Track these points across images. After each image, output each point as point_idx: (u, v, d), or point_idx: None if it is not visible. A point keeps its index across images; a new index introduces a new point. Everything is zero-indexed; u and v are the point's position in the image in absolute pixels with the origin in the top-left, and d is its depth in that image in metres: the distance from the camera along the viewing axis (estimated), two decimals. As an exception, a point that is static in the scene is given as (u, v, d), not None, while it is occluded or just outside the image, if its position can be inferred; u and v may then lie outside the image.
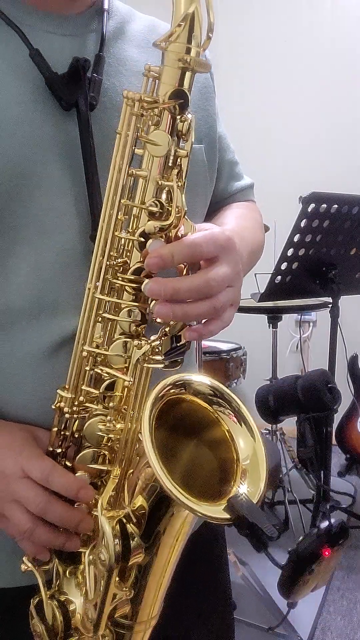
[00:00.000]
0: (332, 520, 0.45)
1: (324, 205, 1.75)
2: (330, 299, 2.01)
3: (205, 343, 2.39)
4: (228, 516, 0.51)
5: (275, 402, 0.43)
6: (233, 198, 0.84)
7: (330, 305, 2.03)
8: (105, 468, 0.59)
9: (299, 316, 3.22)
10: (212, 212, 0.79)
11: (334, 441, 2.37)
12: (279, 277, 1.82)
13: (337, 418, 2.47)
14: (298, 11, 3.24)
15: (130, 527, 0.54)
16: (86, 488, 0.57)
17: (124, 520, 0.55)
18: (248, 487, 0.54)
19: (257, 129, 3.24)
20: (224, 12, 3.18)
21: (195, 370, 0.78)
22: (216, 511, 0.51)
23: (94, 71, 0.61)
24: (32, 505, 0.55)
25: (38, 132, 0.58)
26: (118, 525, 0.54)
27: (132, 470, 0.57)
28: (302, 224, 1.73)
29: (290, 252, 1.77)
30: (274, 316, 2.41)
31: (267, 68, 3.29)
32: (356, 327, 2.64)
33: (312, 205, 1.72)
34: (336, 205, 1.77)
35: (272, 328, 2.44)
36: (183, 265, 0.56)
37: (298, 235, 1.75)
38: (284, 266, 1.80)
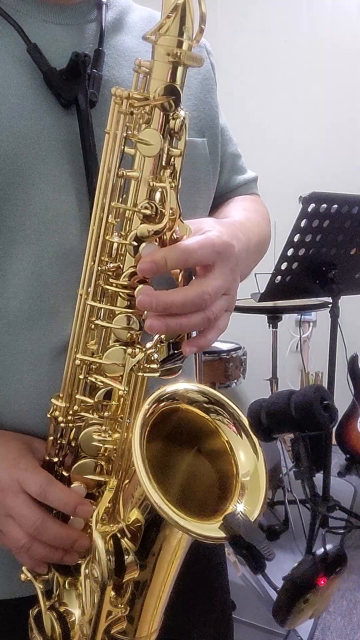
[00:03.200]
0: (329, 547, 0.44)
1: (324, 205, 1.75)
2: (330, 299, 2.01)
3: (205, 343, 2.38)
4: (224, 535, 0.48)
5: (267, 419, 0.42)
6: (236, 192, 0.82)
7: (330, 305, 2.03)
8: (102, 479, 0.57)
9: (299, 316, 3.21)
10: (215, 205, 0.77)
11: (334, 441, 2.37)
12: (279, 277, 1.82)
13: (337, 418, 2.47)
14: (298, 11, 3.23)
15: (125, 543, 0.52)
16: (84, 504, 0.56)
17: (119, 535, 0.53)
18: (245, 505, 0.51)
19: (257, 128, 3.24)
20: (224, 12, 3.18)
21: (191, 372, 0.77)
22: (211, 529, 0.49)
23: (93, 66, 0.60)
24: (26, 524, 0.54)
25: (37, 127, 0.57)
26: (112, 541, 0.52)
27: (127, 481, 0.56)
28: (302, 224, 1.73)
29: (290, 252, 1.77)
30: (274, 316, 2.40)
31: (267, 68, 3.28)
32: (356, 327, 2.64)
33: (312, 205, 1.72)
34: (336, 205, 1.77)
35: (272, 328, 2.44)
36: (178, 270, 0.54)
37: (298, 235, 1.75)
38: (284, 266, 1.80)
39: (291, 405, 0.45)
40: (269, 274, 1.80)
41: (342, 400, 2.46)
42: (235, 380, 2.38)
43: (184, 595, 0.72)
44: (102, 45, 0.62)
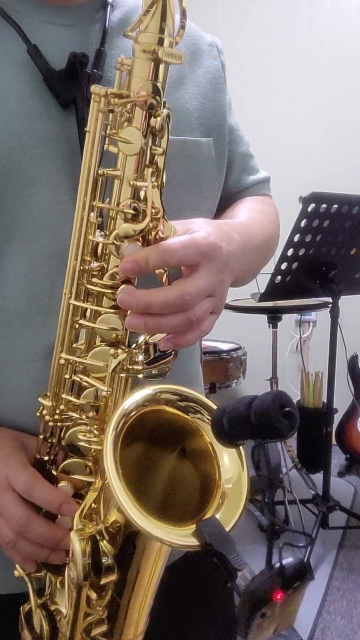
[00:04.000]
0: (289, 560, 0.42)
1: (324, 205, 1.75)
2: (330, 299, 2.01)
3: (205, 343, 2.38)
4: (196, 543, 0.47)
5: (229, 425, 0.41)
6: (247, 192, 0.80)
7: (330, 305, 2.03)
8: (86, 479, 0.57)
9: (299, 316, 3.21)
10: (225, 206, 0.76)
11: (334, 441, 2.37)
12: (279, 277, 1.82)
13: (337, 418, 2.47)
14: (298, 11, 3.23)
15: (103, 545, 0.52)
16: (69, 503, 0.56)
17: (97, 537, 0.52)
18: (223, 514, 0.50)
19: (257, 128, 3.23)
20: (224, 12, 3.18)
21: (197, 381, 0.75)
22: (185, 535, 0.48)
23: (94, 66, 0.59)
24: (11, 521, 0.55)
25: (34, 128, 0.57)
26: (90, 542, 0.52)
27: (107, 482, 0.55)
28: (302, 224, 1.73)
29: (290, 252, 1.77)
30: (274, 316, 2.40)
31: (267, 68, 3.28)
32: (356, 327, 2.64)
33: (312, 205, 1.72)
34: (336, 205, 1.77)
35: (272, 328, 2.44)
36: (163, 270, 0.53)
37: (298, 235, 1.75)
38: (284, 266, 1.80)
39: (251, 411, 0.43)
40: (269, 274, 1.80)
41: (342, 400, 2.46)
42: (235, 380, 2.38)
43: (186, 605, 0.71)
44: (104, 45, 0.61)
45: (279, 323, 2.44)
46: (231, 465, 0.53)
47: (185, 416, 0.55)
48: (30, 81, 0.58)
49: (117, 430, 0.49)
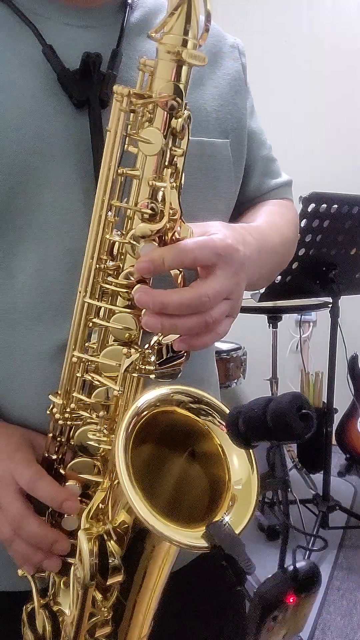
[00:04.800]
0: (302, 564, 0.42)
1: (324, 205, 1.75)
2: (330, 299, 2.02)
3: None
4: (205, 544, 0.47)
5: (245, 426, 0.41)
6: (269, 195, 0.79)
7: (330, 305, 2.03)
8: (94, 479, 0.57)
9: (299, 316, 3.21)
10: (245, 210, 0.76)
11: (334, 441, 2.37)
12: (279, 277, 1.82)
13: (337, 418, 2.47)
14: (298, 11, 3.24)
15: (111, 546, 0.51)
16: (72, 500, 0.56)
17: (105, 537, 0.52)
18: (233, 516, 0.50)
19: (257, 128, 3.24)
20: (224, 12, 3.18)
21: (210, 384, 0.75)
22: (195, 537, 0.47)
23: (109, 66, 0.59)
24: (8, 516, 0.55)
25: (47, 127, 0.57)
26: (97, 542, 0.51)
27: (117, 482, 0.54)
28: (302, 224, 1.73)
29: (290, 252, 1.77)
30: (274, 316, 2.40)
31: (267, 68, 3.28)
32: (356, 327, 2.64)
33: (312, 205, 1.72)
34: (336, 205, 1.77)
35: (272, 328, 2.44)
36: (178, 271, 0.53)
37: (298, 235, 1.74)
38: (284, 266, 1.80)
39: (267, 413, 0.43)
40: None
41: (342, 400, 2.46)
42: (236, 380, 2.38)
43: (194, 612, 0.70)
44: (120, 45, 0.61)
45: (279, 323, 2.44)
46: (241, 467, 0.53)
47: (197, 418, 0.55)
48: (45, 81, 0.58)
49: (128, 431, 0.49)
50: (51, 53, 0.58)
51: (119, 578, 0.51)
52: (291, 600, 0.45)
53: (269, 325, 2.43)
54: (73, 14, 0.61)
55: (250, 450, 0.52)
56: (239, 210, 0.74)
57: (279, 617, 0.44)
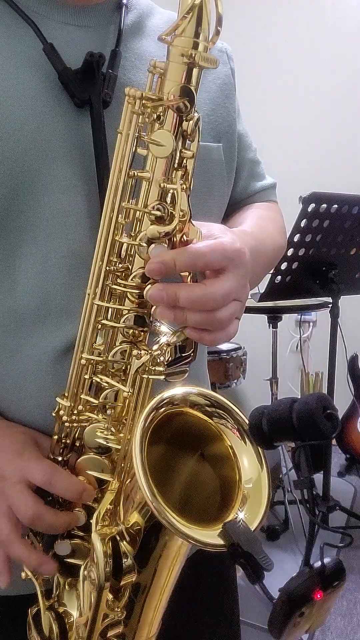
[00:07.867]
0: (327, 560, 0.43)
1: (324, 205, 1.75)
2: (330, 299, 2.02)
3: (205, 343, 2.38)
4: (223, 543, 0.47)
5: (269, 427, 0.42)
6: (254, 198, 0.81)
7: (330, 305, 2.03)
8: (104, 477, 0.57)
9: (299, 316, 3.21)
10: (232, 212, 0.77)
11: (334, 441, 2.37)
12: (279, 277, 1.82)
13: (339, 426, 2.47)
14: (298, 11, 3.23)
15: (124, 546, 0.52)
16: (88, 489, 0.56)
17: (118, 538, 0.52)
18: (246, 513, 0.50)
19: (257, 129, 3.23)
20: (224, 12, 3.17)
21: (205, 378, 0.76)
22: (211, 536, 0.48)
23: (109, 67, 0.59)
24: (21, 513, 0.54)
25: (48, 127, 0.57)
26: (111, 543, 0.52)
27: (129, 482, 0.55)
28: (302, 224, 1.73)
29: (290, 252, 1.77)
30: (274, 316, 2.40)
31: (267, 67, 3.28)
32: (356, 327, 2.64)
33: (312, 205, 1.72)
34: (336, 205, 1.77)
35: (272, 328, 2.44)
36: (187, 274, 0.53)
37: (298, 235, 1.75)
38: (284, 266, 1.80)
39: (293, 413, 0.44)
40: (269, 274, 1.80)
41: (342, 400, 2.46)
42: (235, 381, 2.38)
43: (191, 606, 0.71)
44: (118, 45, 0.61)
45: (279, 323, 2.44)
46: (250, 466, 0.53)
47: (209, 420, 0.55)
48: (45, 81, 0.57)
49: (144, 429, 0.49)
50: (52, 51, 0.57)
51: (132, 578, 0.52)
52: (318, 597, 0.45)
53: (269, 325, 2.43)
54: (70, 13, 0.61)
55: (260, 450, 0.53)
56: (226, 212, 0.75)
57: (306, 612, 0.45)
